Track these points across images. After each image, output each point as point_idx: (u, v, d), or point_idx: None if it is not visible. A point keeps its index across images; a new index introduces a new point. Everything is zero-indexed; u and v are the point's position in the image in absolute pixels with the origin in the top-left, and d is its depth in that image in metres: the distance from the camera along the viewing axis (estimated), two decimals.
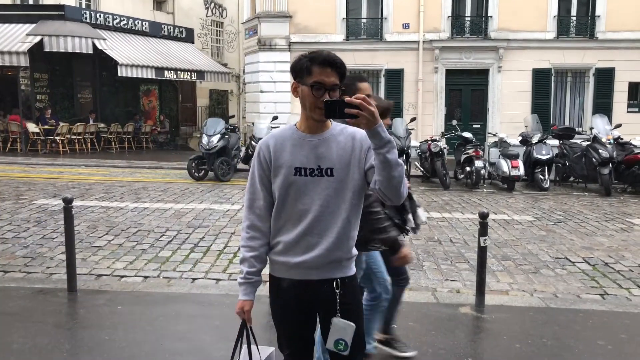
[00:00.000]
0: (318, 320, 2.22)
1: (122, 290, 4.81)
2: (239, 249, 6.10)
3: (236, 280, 5.11)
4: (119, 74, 16.39)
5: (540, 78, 16.44)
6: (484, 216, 4.50)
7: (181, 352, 3.60)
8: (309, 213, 2.06)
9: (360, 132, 2.08)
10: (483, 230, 4.51)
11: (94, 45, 16.35)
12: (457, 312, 4.46)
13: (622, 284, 5.33)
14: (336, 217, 2.07)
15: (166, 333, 3.91)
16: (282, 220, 2.11)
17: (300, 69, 2.04)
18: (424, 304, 4.69)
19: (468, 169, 11.36)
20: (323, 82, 1.99)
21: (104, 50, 16.44)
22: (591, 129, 12.43)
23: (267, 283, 2.22)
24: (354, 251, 2.16)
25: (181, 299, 4.64)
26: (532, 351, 3.77)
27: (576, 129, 14.41)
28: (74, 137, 17.02)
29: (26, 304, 4.37)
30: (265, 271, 2.20)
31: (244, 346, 2.22)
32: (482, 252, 4.52)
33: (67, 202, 4.54)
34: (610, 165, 11.03)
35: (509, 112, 15.96)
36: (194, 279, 5.23)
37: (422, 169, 12.39)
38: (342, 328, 2.07)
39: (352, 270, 2.17)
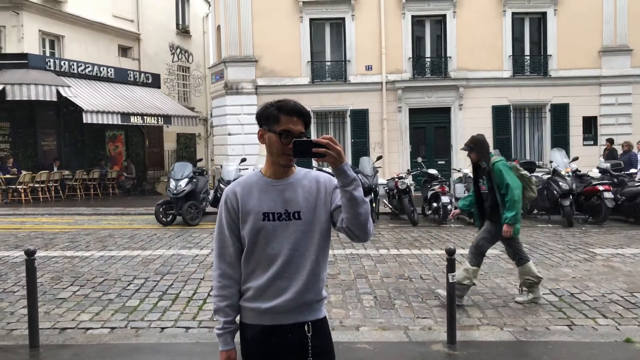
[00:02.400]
0: None
1: (88, 343, 4.66)
2: (208, 294, 6.04)
3: (206, 327, 5.07)
4: (85, 121, 16.27)
5: (500, 114, 17.05)
6: (451, 252, 4.58)
7: None
8: (279, 257, 2.08)
9: (324, 175, 2.16)
10: (450, 266, 4.58)
11: (57, 92, 16.24)
12: (429, 350, 4.47)
13: (588, 314, 5.44)
14: (305, 259, 2.09)
15: None
16: (251, 265, 2.12)
17: (268, 117, 2.09)
18: (396, 343, 4.69)
19: (435, 205, 11.55)
20: (291, 131, 2.05)
21: (69, 98, 16.33)
22: (551, 162, 12.86)
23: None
24: (324, 293, 2.18)
25: (149, 350, 4.53)
26: None
27: (537, 162, 14.88)
28: (37, 185, 16.65)
29: None
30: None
31: None
32: (450, 288, 4.59)
33: (29, 254, 4.43)
34: (571, 197, 11.39)
35: None
36: (162, 328, 5.11)
37: (390, 206, 12.54)
38: None
39: (323, 312, 2.18)
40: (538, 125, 17.63)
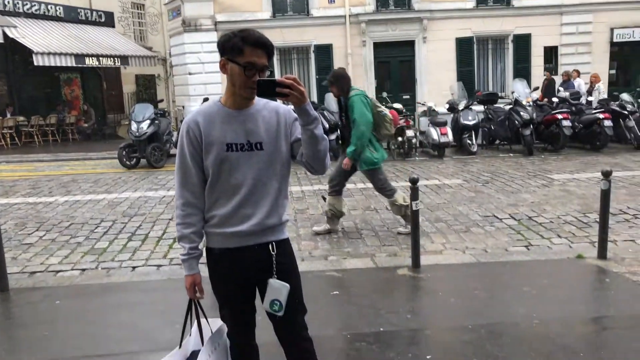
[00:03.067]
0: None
1: (59, 285, 4.68)
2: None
3: (177, 265, 5.13)
4: (35, 63, 15.51)
5: (463, 47, 16.98)
6: (414, 181, 4.70)
7: (127, 339, 3.58)
8: (243, 187, 2.14)
9: (283, 107, 2.21)
10: (414, 194, 4.71)
11: (4, 33, 15.34)
12: (395, 274, 4.66)
13: (544, 235, 5.73)
14: (268, 188, 2.17)
15: (110, 322, 3.86)
16: (215, 194, 2.17)
17: (232, 48, 2.06)
18: (363, 269, 4.87)
19: (400, 139, 11.67)
20: (255, 64, 2.05)
21: (16, 39, 15.46)
22: (512, 93, 13.05)
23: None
24: (285, 217, 2.27)
25: (122, 288, 4.58)
26: (465, 303, 4.02)
27: (499, 94, 15.05)
28: None
29: None
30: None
31: (194, 321, 2.27)
32: (414, 215, 4.73)
33: None
34: (531, 126, 11.67)
35: (436, 82, 16.43)
36: (134, 267, 5.16)
37: None
38: (277, 289, 2.17)
39: (285, 234, 2.28)
40: (501, 56, 17.67)
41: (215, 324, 2.33)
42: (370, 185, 8.55)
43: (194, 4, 16.66)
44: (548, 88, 14.66)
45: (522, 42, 17.36)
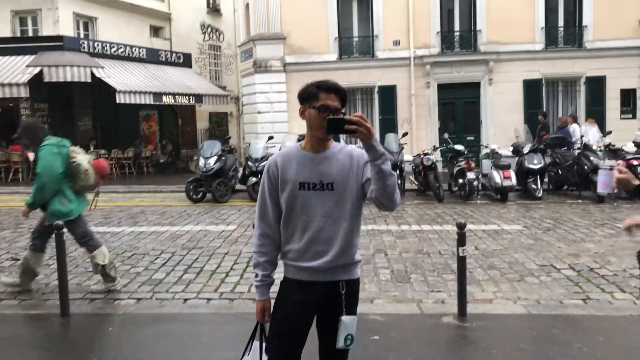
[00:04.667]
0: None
1: (115, 312, 4.95)
2: (231, 268, 6.28)
3: (227, 299, 5.30)
4: (118, 101, 16.70)
5: (531, 88, 16.63)
6: (461, 226, 4.64)
7: None
8: (313, 223, 2.33)
9: (358, 150, 2.38)
10: (461, 240, 4.64)
11: (92, 73, 16.70)
12: (439, 322, 4.57)
13: (605, 289, 5.42)
14: (338, 226, 2.34)
15: (154, 351, 4.04)
16: (289, 230, 2.39)
17: (308, 95, 2.33)
18: (408, 315, 4.81)
19: (461, 181, 11.49)
20: (328, 106, 2.29)
21: (102, 78, 16.78)
22: (582, 137, 12.57)
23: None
24: (358, 257, 2.43)
25: (171, 319, 4.77)
26: (509, 356, 3.88)
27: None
28: None
29: (19, 330, 4.52)
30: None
31: (256, 342, 2.49)
32: (461, 262, 4.65)
33: (58, 228, 4.71)
34: None
35: (502, 124, 16.13)
36: (185, 300, 5.36)
37: (416, 183, 12.53)
38: (349, 324, 2.34)
39: (357, 274, 2.44)
40: (572, 98, 17.14)
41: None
42: (425, 227, 8.51)
43: (265, 46, 17.46)
44: (541, 132, 14.07)
45: (596, 84, 16.79)
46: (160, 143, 21.07)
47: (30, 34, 18.79)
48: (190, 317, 4.82)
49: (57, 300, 5.13)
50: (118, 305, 5.20)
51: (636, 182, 2.74)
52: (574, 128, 13.68)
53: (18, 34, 18.73)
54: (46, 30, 18.34)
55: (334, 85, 2.32)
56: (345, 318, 2.32)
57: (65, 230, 4.94)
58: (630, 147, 12.35)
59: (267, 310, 2.45)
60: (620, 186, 2.73)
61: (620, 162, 3.14)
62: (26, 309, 5.09)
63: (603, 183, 2.85)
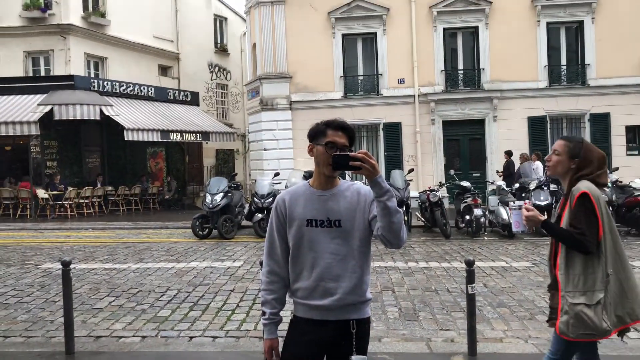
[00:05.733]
0: None
1: (119, 350, 4.89)
2: (237, 305, 6.22)
3: (233, 337, 5.23)
4: (126, 138, 16.92)
5: (536, 125, 16.76)
6: (469, 264, 4.60)
7: None
8: (321, 260, 2.32)
9: (365, 188, 2.39)
10: (470, 278, 4.60)
11: (101, 111, 16.99)
12: None
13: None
14: (346, 263, 2.32)
15: None
16: (298, 267, 2.37)
17: (317, 133, 2.36)
18: (417, 354, 4.72)
19: (468, 217, 11.44)
20: (335, 142, 2.32)
21: (111, 116, 17.05)
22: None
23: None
24: (368, 295, 2.40)
25: (177, 358, 4.71)
26: None
27: None
28: (82, 201, 17.39)
29: None
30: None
31: None
32: (470, 300, 4.59)
33: (65, 265, 4.71)
34: (610, 209, 11.08)
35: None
36: (191, 337, 5.29)
37: (422, 219, 12.49)
38: None
39: (367, 313, 2.41)
40: (576, 135, 17.21)
41: None
42: (433, 264, 8.44)
43: (271, 85, 17.76)
44: (506, 170, 14.34)
45: (601, 121, 16.90)
46: (166, 180, 21.21)
47: (42, 73, 19.22)
48: (196, 355, 4.76)
49: (62, 337, 5.09)
50: (123, 343, 5.14)
51: (542, 218, 2.92)
52: (537, 165, 13.64)
53: (30, 74, 19.17)
54: (58, 70, 18.77)
55: (341, 124, 2.36)
56: (355, 358, 2.30)
57: (72, 266, 4.92)
58: (637, 184, 12.31)
59: (275, 349, 2.41)
60: (530, 223, 2.95)
61: (527, 201, 3.34)
62: (31, 346, 5.04)
63: (516, 222, 3.07)
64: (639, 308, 2.86)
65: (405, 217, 11.91)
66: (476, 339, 4.60)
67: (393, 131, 17.17)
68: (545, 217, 2.99)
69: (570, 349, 2.96)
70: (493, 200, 12.21)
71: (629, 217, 11.41)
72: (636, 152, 17.11)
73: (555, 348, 3.01)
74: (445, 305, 6.14)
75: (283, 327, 2.45)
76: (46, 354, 4.77)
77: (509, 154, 14.95)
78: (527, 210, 2.95)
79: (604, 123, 16.91)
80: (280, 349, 2.44)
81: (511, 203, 3.41)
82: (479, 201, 11.59)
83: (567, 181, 2.98)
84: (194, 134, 19.42)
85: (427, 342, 5.02)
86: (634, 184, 12.34)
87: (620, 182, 12.40)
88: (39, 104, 16.55)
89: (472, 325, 4.59)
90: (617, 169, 13.20)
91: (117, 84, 18.92)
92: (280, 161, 17.07)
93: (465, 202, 11.67)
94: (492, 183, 13.56)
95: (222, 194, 12.25)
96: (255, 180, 15.41)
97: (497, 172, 14.82)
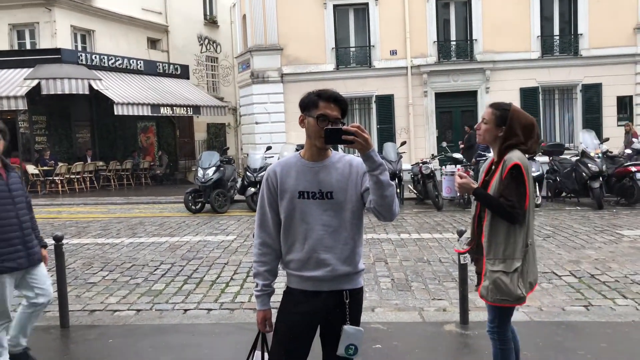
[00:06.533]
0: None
1: (114, 324, 4.91)
2: (231, 278, 6.24)
3: (227, 309, 5.27)
4: (115, 113, 16.72)
5: (528, 96, 16.72)
6: (461, 234, 4.62)
7: None
8: (313, 232, 2.31)
9: (357, 160, 2.36)
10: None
11: (90, 85, 16.74)
12: (441, 330, 4.55)
13: (607, 295, 5.40)
14: (338, 235, 2.32)
15: None
16: (290, 239, 2.37)
17: (308, 103, 2.31)
18: (410, 323, 4.78)
19: None
20: (327, 115, 2.27)
21: (100, 90, 16.81)
22: (581, 143, 12.60)
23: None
24: (361, 266, 2.40)
25: (172, 330, 4.74)
26: None
27: (566, 144, 14.60)
28: (73, 176, 17.27)
29: None
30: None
31: (257, 352, 2.48)
32: (462, 269, 4.63)
33: (58, 240, 4.70)
34: (601, 179, 11.16)
35: None
36: (185, 310, 5.32)
37: (415, 192, 12.52)
38: (353, 334, 2.31)
39: (360, 283, 2.42)
40: (568, 106, 17.23)
41: None
42: (425, 236, 8.50)
43: (262, 57, 17.53)
44: (467, 141, 14.24)
45: (592, 92, 16.89)
46: (157, 154, 21.08)
47: (28, 47, 18.84)
48: (190, 328, 4.79)
49: (56, 312, 5.10)
50: (118, 316, 5.17)
51: (474, 185, 2.93)
52: None
53: (16, 47, 18.80)
54: (44, 43, 18.40)
55: (334, 95, 2.30)
56: (347, 328, 2.31)
57: (65, 241, 4.90)
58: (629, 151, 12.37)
59: (269, 320, 2.43)
60: (461, 190, 2.97)
61: (459, 167, 3.39)
62: None
63: (447, 188, 3.10)
64: (537, 274, 3.03)
65: (398, 190, 11.92)
66: (468, 308, 4.66)
67: (385, 103, 17.08)
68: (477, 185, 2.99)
69: (502, 317, 3.06)
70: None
71: (619, 187, 11.51)
72: (627, 123, 17.16)
73: (491, 316, 3.11)
74: (437, 276, 6.21)
75: (276, 299, 2.47)
76: (41, 328, 4.77)
77: (470, 127, 14.94)
78: (460, 177, 2.95)
79: (595, 94, 16.91)
80: (273, 319, 2.45)
81: (443, 168, 3.45)
82: (471, 173, 11.59)
83: (497, 149, 2.98)
84: (184, 108, 19.23)
85: (419, 311, 5.08)
86: (626, 151, 12.41)
87: (611, 152, 12.47)
88: (25, 78, 16.26)
89: (464, 294, 4.64)
90: (607, 139, 13.23)
91: (106, 57, 18.60)
92: (272, 135, 16.99)
93: None
94: (483, 155, 13.56)
95: (214, 168, 12.20)
96: (248, 154, 15.34)
97: (460, 143, 14.76)
